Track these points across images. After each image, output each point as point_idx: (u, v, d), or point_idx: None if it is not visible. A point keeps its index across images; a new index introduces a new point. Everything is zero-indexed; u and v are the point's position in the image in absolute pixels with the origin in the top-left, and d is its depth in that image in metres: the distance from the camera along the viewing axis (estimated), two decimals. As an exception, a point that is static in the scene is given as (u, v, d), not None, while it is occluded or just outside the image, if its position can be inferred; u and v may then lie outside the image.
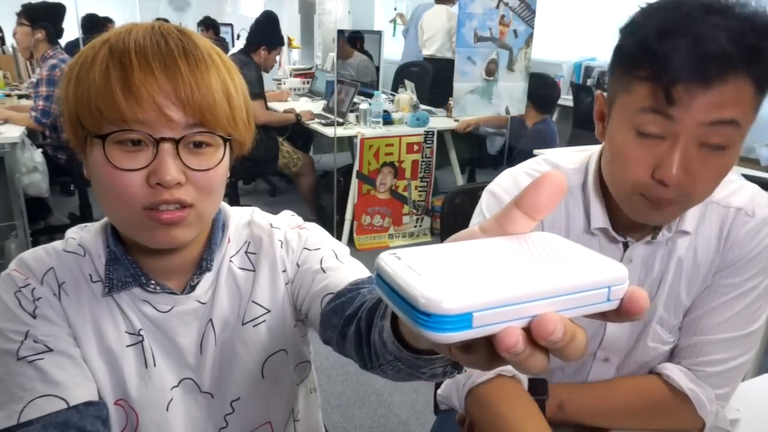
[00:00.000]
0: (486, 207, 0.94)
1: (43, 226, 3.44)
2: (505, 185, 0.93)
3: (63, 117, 0.65)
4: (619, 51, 0.77)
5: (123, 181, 0.61)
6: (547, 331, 0.28)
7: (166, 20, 0.69)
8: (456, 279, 0.29)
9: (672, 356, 0.93)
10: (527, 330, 0.29)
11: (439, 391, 0.97)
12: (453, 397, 0.92)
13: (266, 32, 3.63)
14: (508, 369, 0.85)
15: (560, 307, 0.29)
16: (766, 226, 0.86)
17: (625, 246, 0.89)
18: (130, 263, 0.71)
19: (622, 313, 0.31)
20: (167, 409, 0.74)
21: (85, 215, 3.46)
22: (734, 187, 0.88)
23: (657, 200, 0.76)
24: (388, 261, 0.31)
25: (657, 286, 0.90)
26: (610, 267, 0.31)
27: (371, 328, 0.56)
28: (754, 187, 0.89)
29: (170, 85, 0.60)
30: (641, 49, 0.72)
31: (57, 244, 0.74)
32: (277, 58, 3.91)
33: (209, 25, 5.15)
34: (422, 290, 0.28)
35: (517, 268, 0.30)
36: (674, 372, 0.89)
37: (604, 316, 0.32)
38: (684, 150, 0.71)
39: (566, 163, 0.94)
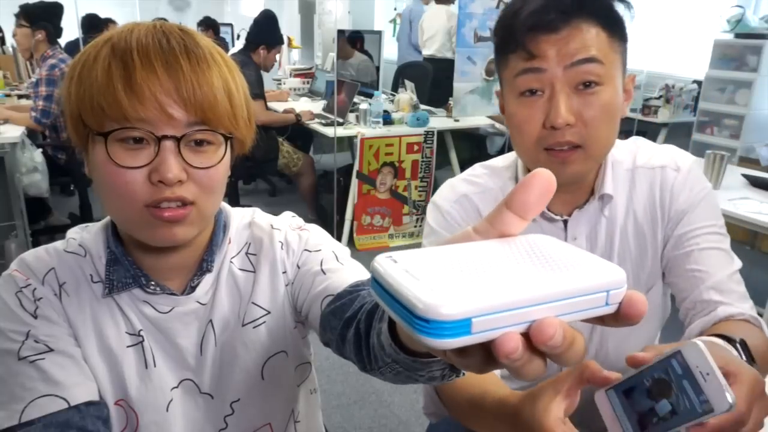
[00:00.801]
0: (431, 219, 0.99)
1: (43, 226, 3.43)
2: (444, 194, 0.98)
3: (65, 115, 0.66)
4: (494, 46, 0.87)
5: (125, 178, 0.61)
6: (547, 335, 0.28)
7: (165, 20, 0.69)
8: (454, 284, 0.28)
9: (690, 315, 0.91)
10: (526, 335, 0.28)
11: (422, 406, 0.96)
12: (429, 402, 0.91)
13: (265, 31, 3.63)
14: None
15: (559, 311, 0.29)
16: (693, 172, 0.93)
17: (565, 224, 0.93)
18: (130, 264, 0.71)
19: (620, 317, 0.30)
20: (167, 410, 0.74)
21: (85, 215, 3.46)
22: (653, 151, 0.96)
23: (558, 148, 0.82)
24: (384, 264, 0.31)
25: (607, 256, 0.92)
26: (609, 270, 0.30)
27: (370, 331, 0.56)
28: (670, 146, 0.98)
29: (172, 83, 0.60)
30: (502, 29, 0.84)
31: (58, 244, 0.74)
32: (277, 57, 3.90)
33: (209, 25, 5.14)
34: (420, 295, 0.27)
35: (515, 271, 0.30)
36: (738, 307, 0.87)
37: (602, 320, 0.31)
38: (563, 95, 0.80)
39: (498, 162, 1.01)
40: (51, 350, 0.67)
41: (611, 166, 0.92)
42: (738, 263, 0.92)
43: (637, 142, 0.99)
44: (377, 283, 0.31)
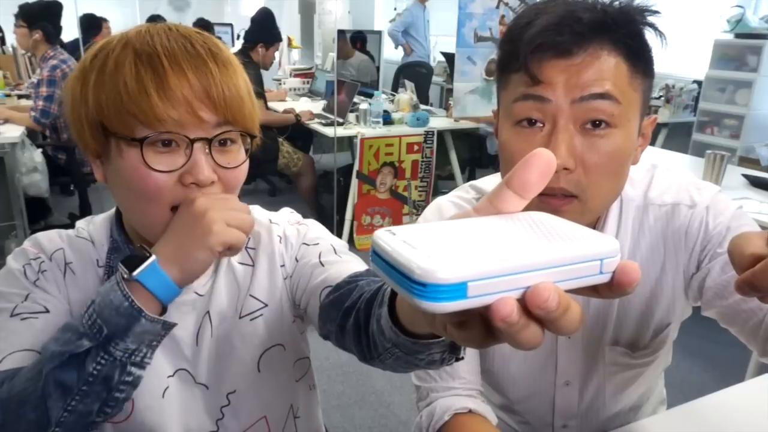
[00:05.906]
0: None
1: (43, 226, 3.43)
2: (429, 215, 0.93)
3: (82, 122, 0.65)
4: (497, 61, 0.76)
5: (157, 183, 0.63)
6: (541, 298, 0.28)
7: (163, 18, 0.69)
8: (451, 251, 0.29)
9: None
10: (522, 302, 0.29)
11: None
12: None
13: (263, 29, 3.63)
14: (464, 405, 0.82)
15: (554, 278, 0.29)
16: (715, 203, 0.81)
17: None
18: (131, 252, 0.72)
19: (614, 286, 0.31)
20: (163, 396, 0.74)
21: (84, 215, 3.43)
22: (666, 185, 0.85)
23: (551, 195, 0.71)
24: (383, 237, 0.32)
25: (606, 308, 0.85)
26: (603, 240, 0.31)
27: (370, 318, 0.56)
28: (689, 179, 0.86)
29: (202, 86, 0.62)
30: (507, 43, 0.73)
31: (70, 231, 0.77)
32: (276, 54, 3.90)
33: (203, 26, 5.13)
34: (417, 261, 0.28)
35: (511, 240, 0.31)
36: None
37: (597, 292, 0.32)
38: (565, 133, 0.68)
39: (489, 185, 0.92)
40: (47, 311, 0.69)
41: (620, 204, 0.83)
42: None
43: (653, 171, 0.88)
44: (377, 254, 0.32)
